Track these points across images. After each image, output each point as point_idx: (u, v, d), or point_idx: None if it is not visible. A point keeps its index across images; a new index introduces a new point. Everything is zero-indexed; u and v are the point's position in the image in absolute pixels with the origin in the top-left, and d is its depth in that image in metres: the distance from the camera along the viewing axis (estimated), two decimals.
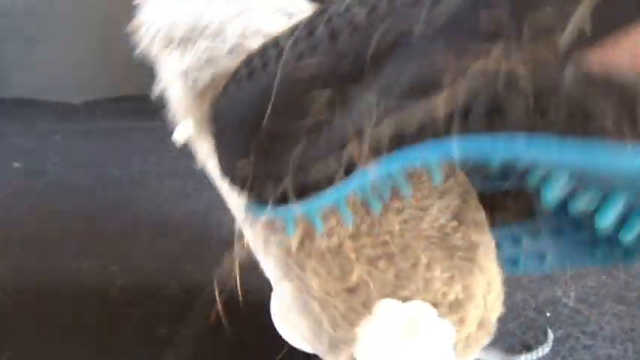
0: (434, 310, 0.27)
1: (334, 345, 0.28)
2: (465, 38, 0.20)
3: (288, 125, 0.24)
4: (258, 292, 0.51)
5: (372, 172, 0.22)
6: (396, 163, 0.23)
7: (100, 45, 1.09)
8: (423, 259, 0.28)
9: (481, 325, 0.28)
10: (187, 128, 0.32)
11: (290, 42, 0.24)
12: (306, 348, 0.32)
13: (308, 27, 0.24)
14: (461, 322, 0.27)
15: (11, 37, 1.05)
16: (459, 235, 0.30)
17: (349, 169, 0.23)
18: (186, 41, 0.32)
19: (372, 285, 0.27)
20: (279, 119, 0.24)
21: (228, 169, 0.27)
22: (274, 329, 0.45)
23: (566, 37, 0.18)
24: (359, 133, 0.22)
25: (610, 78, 0.18)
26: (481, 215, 0.31)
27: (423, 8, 0.21)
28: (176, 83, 0.32)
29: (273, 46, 0.25)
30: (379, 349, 0.27)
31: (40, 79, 1.05)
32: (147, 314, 0.48)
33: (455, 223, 0.30)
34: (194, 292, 0.51)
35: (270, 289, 0.53)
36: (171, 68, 0.33)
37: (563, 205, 0.31)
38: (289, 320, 0.31)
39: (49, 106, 1.05)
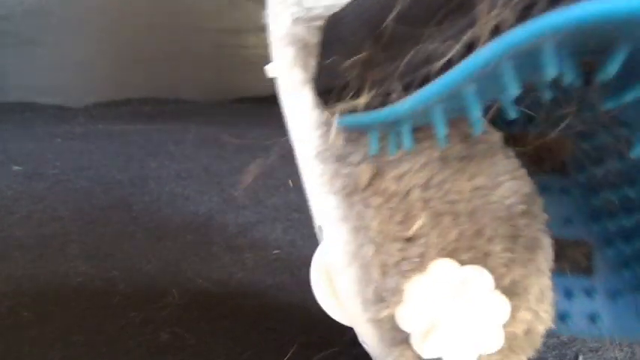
0: (492, 280, 0.26)
1: (379, 297, 0.26)
2: None
3: (416, 20, 0.23)
4: (262, 295, 0.51)
5: (496, 47, 0.19)
6: (520, 36, 0.18)
7: (99, 48, 1.08)
8: (488, 230, 0.27)
9: (529, 332, 0.27)
10: (284, 63, 0.31)
11: None
12: (341, 316, 0.31)
13: None
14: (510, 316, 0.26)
15: (9, 40, 1.05)
16: (524, 221, 0.28)
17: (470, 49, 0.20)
18: None
19: (432, 238, 0.26)
20: (405, 18, 0.23)
21: (330, 77, 0.26)
22: (279, 333, 0.45)
23: None
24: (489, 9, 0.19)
25: None
26: (546, 217, 0.29)
27: None
28: (284, 14, 0.31)
29: None
30: (425, 308, 0.25)
31: (39, 82, 1.05)
32: (148, 319, 0.47)
33: (523, 207, 0.28)
34: (196, 296, 0.50)
35: (277, 289, 0.52)
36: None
37: (621, 261, 0.30)
38: (332, 274, 0.29)
39: (49, 109, 1.04)
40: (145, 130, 0.97)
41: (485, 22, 0.19)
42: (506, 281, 0.26)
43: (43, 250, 0.59)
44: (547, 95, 0.22)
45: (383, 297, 0.26)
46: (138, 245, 0.60)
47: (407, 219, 0.27)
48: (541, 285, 0.28)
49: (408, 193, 0.27)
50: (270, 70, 0.33)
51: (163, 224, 0.64)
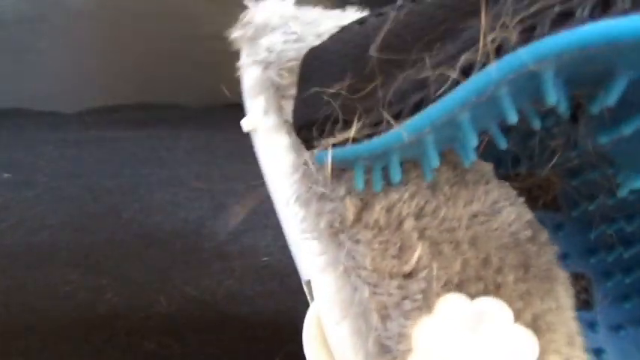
0: (511, 313, 0.22)
1: (382, 347, 0.23)
2: None
3: (401, 47, 0.22)
4: (251, 303, 0.51)
5: (495, 71, 0.18)
6: (522, 60, 0.18)
7: (92, 55, 1.08)
8: (495, 258, 0.24)
9: None
10: (257, 112, 0.31)
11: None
12: None
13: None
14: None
15: (2, 47, 1.04)
16: (533, 249, 0.25)
17: (466, 74, 0.19)
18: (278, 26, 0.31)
19: (434, 271, 0.23)
20: (388, 50, 0.22)
21: (311, 109, 0.25)
22: (266, 341, 0.45)
23: None
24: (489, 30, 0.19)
25: None
26: (555, 249, 0.27)
27: None
28: (256, 64, 0.31)
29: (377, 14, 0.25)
30: (439, 352, 0.22)
31: (31, 89, 1.05)
32: (135, 328, 0.47)
33: (529, 233, 0.26)
34: (184, 304, 0.50)
35: (266, 296, 0.52)
36: (252, 52, 0.31)
37: (621, 293, 0.30)
38: (326, 333, 0.26)
39: (40, 116, 1.04)
40: (137, 136, 0.96)
41: (484, 45, 0.18)
42: (527, 316, 0.23)
43: (32, 258, 0.59)
44: (536, 124, 0.20)
45: (388, 347, 0.23)
46: (127, 253, 0.60)
47: (403, 251, 0.24)
48: (567, 324, 0.24)
49: (400, 223, 0.25)
50: (245, 123, 0.32)
51: (153, 232, 0.64)
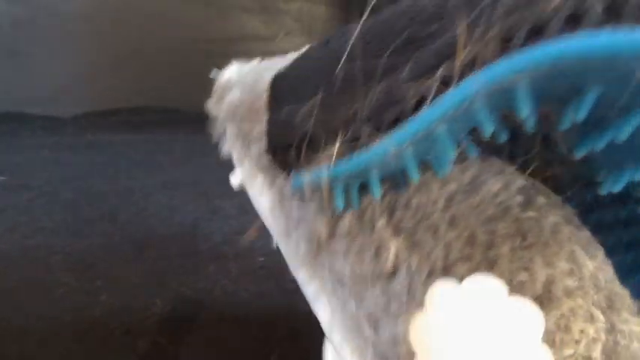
0: (501, 285, 0.20)
1: (382, 356, 0.22)
2: None
3: (367, 65, 0.21)
4: (246, 304, 0.51)
5: (472, 84, 0.18)
6: (497, 72, 0.18)
7: (88, 59, 1.08)
8: (481, 234, 0.22)
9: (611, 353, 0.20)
10: (243, 169, 0.32)
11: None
12: None
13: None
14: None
15: None
16: (531, 213, 0.23)
17: (440, 91, 0.19)
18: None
19: (415, 263, 0.22)
20: (356, 63, 0.22)
21: (285, 130, 0.24)
22: (260, 342, 0.45)
23: None
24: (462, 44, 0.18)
25: None
26: (568, 209, 0.24)
27: None
28: (224, 121, 0.33)
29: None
30: (444, 349, 0.20)
31: (28, 93, 1.05)
32: (130, 329, 0.47)
33: (521, 199, 0.23)
34: (179, 305, 0.50)
35: (262, 297, 0.52)
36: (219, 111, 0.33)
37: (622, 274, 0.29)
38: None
39: (36, 120, 1.04)
40: (133, 140, 0.96)
41: (461, 56, 0.18)
42: (536, 286, 0.21)
43: (27, 261, 0.59)
44: (503, 137, 0.20)
45: (385, 354, 0.22)
46: (123, 256, 0.60)
47: (379, 253, 0.23)
48: (597, 284, 0.21)
49: (373, 225, 0.23)
50: (234, 179, 0.33)
51: (149, 235, 0.64)
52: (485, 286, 0.20)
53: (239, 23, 1.09)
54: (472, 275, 0.20)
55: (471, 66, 0.18)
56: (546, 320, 0.19)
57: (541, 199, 0.24)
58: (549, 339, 0.20)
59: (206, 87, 0.37)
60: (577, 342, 0.20)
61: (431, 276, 0.21)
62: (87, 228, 0.66)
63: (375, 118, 0.21)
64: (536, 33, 0.17)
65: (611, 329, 0.21)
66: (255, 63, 0.35)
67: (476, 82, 0.17)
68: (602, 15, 0.17)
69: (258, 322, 0.48)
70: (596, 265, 0.23)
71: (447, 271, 0.22)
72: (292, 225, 0.26)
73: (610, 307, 0.21)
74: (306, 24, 1.12)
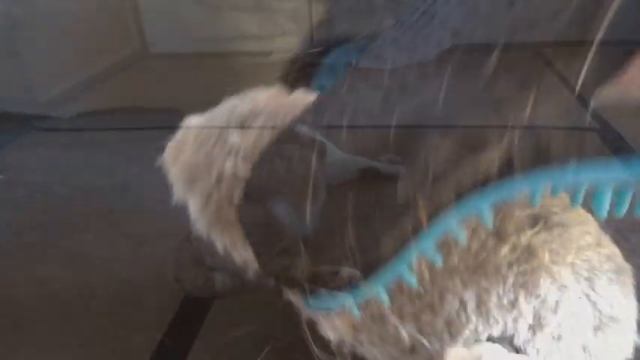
0: (502, 349, 0.25)
1: None
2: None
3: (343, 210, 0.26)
4: (241, 297, 0.51)
5: (440, 226, 0.24)
6: (460, 212, 0.25)
7: (84, 58, 1.09)
8: (468, 297, 0.27)
9: None
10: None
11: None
12: None
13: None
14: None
15: None
16: (504, 249, 0.28)
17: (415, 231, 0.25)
18: None
19: (426, 340, 0.27)
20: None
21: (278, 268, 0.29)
22: (254, 335, 0.45)
23: None
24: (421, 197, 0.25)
25: None
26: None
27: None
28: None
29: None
30: None
31: (24, 93, 1.05)
32: (127, 324, 0.47)
33: (492, 242, 0.28)
34: (175, 302, 0.50)
35: (257, 291, 0.52)
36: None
37: None
38: None
39: (32, 119, 1.04)
40: (129, 138, 0.97)
41: (421, 220, 0.24)
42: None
43: (23, 257, 0.59)
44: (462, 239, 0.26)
45: None
46: (118, 251, 0.60)
47: (396, 336, 0.28)
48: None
49: (381, 314, 0.28)
50: None
51: (144, 230, 0.64)
52: (489, 351, 0.26)
53: (235, 23, 1.10)
54: (478, 344, 0.26)
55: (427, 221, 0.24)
56: None
57: (509, 229, 0.29)
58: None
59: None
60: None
61: (444, 346, 0.27)
62: (82, 223, 0.66)
63: (360, 258, 0.26)
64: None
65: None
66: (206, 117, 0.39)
67: (432, 235, 0.24)
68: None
69: (253, 316, 0.48)
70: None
71: (454, 336, 0.27)
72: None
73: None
74: (302, 24, 1.13)
